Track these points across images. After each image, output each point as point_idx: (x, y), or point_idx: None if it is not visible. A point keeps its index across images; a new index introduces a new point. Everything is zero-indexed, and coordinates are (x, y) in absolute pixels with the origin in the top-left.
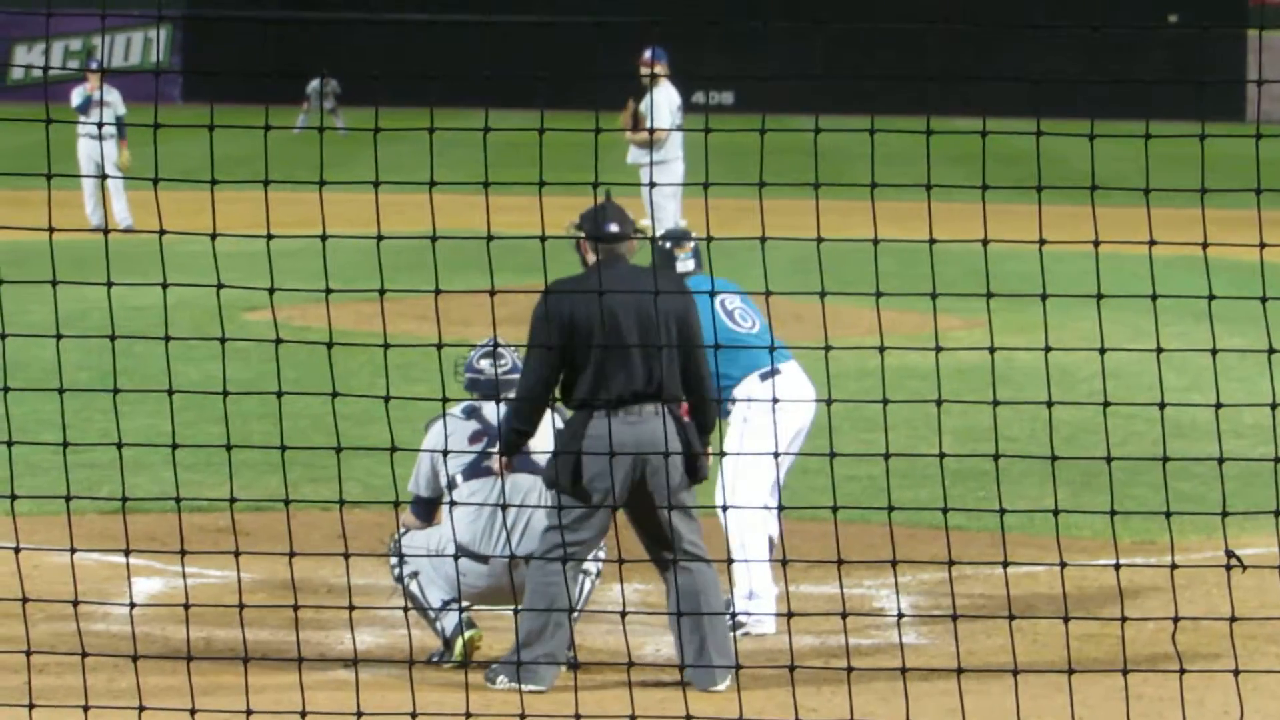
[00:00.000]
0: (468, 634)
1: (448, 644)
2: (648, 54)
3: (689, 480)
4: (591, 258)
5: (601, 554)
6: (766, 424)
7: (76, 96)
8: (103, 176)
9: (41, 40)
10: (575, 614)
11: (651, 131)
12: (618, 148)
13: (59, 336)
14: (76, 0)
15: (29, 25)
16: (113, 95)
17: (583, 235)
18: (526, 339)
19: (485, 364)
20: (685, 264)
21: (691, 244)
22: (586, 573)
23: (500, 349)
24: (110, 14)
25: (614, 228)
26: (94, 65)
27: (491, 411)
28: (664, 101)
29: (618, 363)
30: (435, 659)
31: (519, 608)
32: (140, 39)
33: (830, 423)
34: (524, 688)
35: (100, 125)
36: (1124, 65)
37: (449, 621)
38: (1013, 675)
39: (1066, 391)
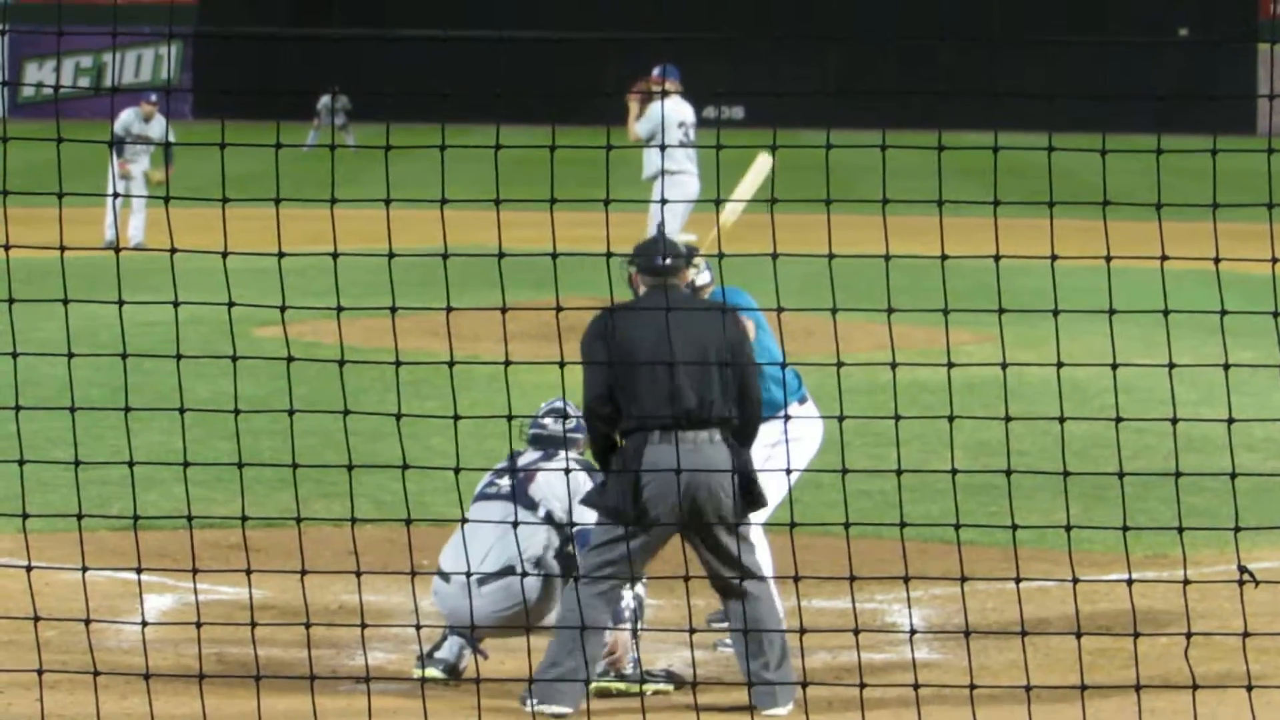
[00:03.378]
0: (425, 669)
1: (422, 659)
2: (656, 71)
3: (747, 507)
4: (643, 289)
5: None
6: (790, 454)
7: (119, 126)
8: (115, 196)
9: (52, 58)
10: (639, 631)
11: (664, 148)
12: (629, 164)
13: (70, 355)
14: (87, 18)
15: (39, 43)
16: (161, 124)
17: (627, 266)
18: (581, 358)
19: (549, 420)
20: (703, 275)
21: (700, 258)
22: (633, 592)
23: (568, 410)
24: (121, 32)
25: (665, 260)
26: (153, 98)
27: (529, 455)
28: (670, 112)
29: (669, 385)
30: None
31: (532, 626)
32: (151, 56)
33: (842, 438)
34: (550, 709)
35: (113, 143)
36: (1135, 79)
37: (443, 646)
38: (1025, 691)
39: (1078, 406)
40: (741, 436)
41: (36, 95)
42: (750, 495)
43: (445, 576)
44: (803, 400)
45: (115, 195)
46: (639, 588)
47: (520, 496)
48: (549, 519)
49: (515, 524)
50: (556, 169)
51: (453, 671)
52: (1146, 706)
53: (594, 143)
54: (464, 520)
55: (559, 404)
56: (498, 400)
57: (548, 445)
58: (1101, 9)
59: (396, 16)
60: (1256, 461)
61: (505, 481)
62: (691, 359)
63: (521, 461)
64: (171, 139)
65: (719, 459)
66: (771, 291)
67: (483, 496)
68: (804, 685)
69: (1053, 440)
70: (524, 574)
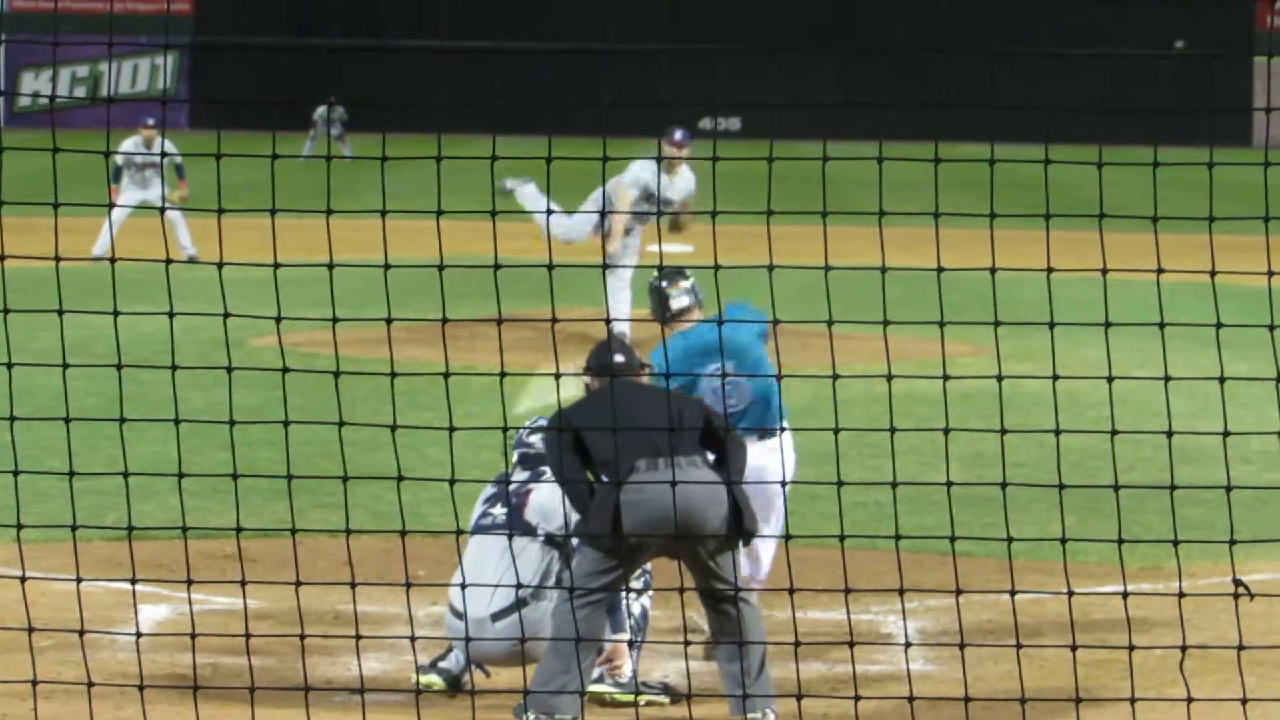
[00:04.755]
0: (426, 677)
1: (424, 666)
2: (679, 134)
3: (739, 535)
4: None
5: (649, 575)
6: (783, 467)
7: (121, 155)
8: (110, 206)
9: (48, 67)
10: (639, 639)
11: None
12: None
13: (65, 365)
14: (83, 27)
15: (36, 52)
16: (166, 145)
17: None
18: (546, 452)
19: (535, 439)
20: (680, 300)
21: (687, 281)
22: (636, 593)
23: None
24: (117, 42)
25: (619, 358)
26: (151, 121)
27: (518, 477)
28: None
29: (639, 437)
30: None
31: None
32: (147, 65)
33: (837, 450)
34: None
35: (110, 163)
36: (1131, 91)
37: (448, 657)
38: (1020, 703)
39: (1074, 417)
40: (731, 459)
41: (33, 105)
42: (740, 525)
43: (458, 614)
44: (783, 430)
45: (111, 205)
46: (644, 599)
47: (517, 524)
48: (549, 541)
49: (514, 533)
50: (553, 179)
51: (454, 683)
52: (1141, 719)
53: (591, 153)
54: (460, 531)
55: (544, 422)
56: (493, 411)
57: (536, 464)
58: (1099, 21)
59: (395, 26)
60: (1252, 474)
61: (500, 510)
62: (657, 412)
63: (512, 483)
64: (179, 159)
65: (707, 478)
66: (768, 303)
67: (479, 529)
68: (799, 697)
69: (1048, 452)
70: (522, 588)
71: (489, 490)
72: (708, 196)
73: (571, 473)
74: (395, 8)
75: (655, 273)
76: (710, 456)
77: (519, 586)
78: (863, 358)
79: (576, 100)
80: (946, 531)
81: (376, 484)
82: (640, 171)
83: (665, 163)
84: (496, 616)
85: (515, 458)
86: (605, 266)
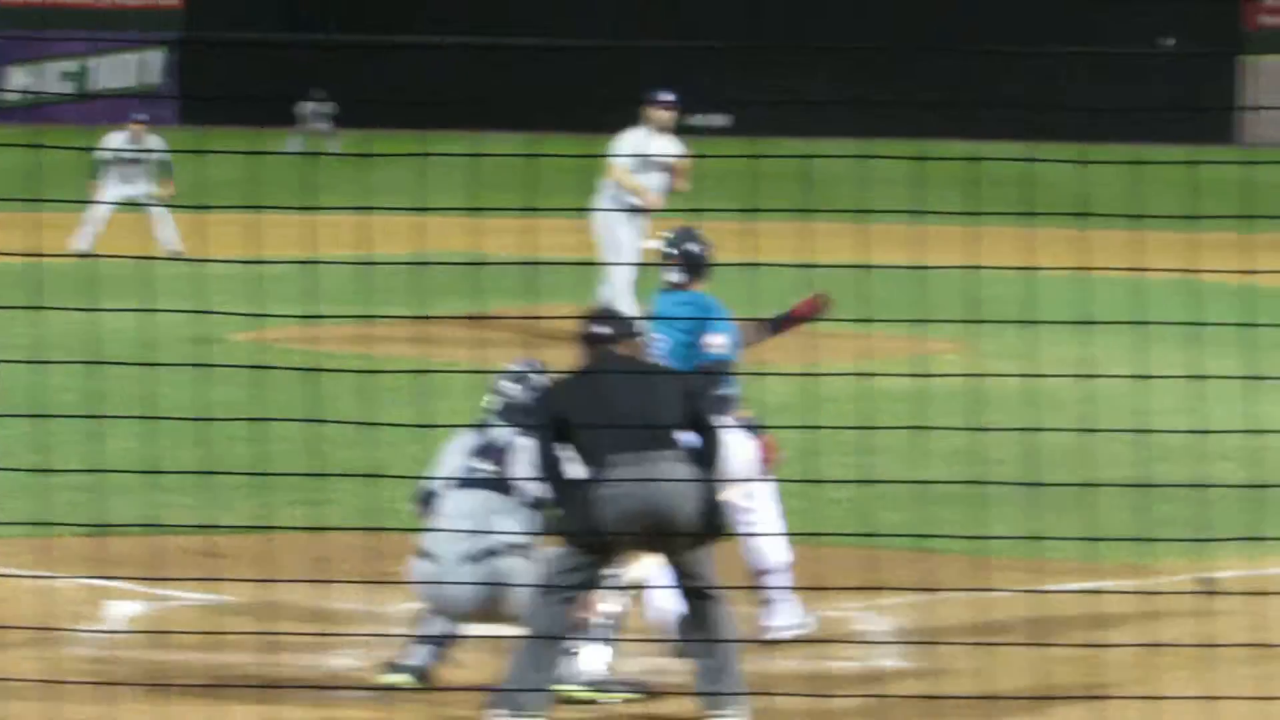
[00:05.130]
0: (392, 677)
1: (388, 666)
2: (670, 96)
3: (712, 531)
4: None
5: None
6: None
7: (109, 151)
8: (95, 202)
9: (35, 62)
10: (613, 636)
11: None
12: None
13: (44, 361)
14: (71, 22)
15: (23, 47)
16: (156, 142)
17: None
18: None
19: (513, 387)
20: (670, 274)
21: (697, 247)
22: (609, 590)
23: (530, 374)
24: (106, 38)
25: (604, 329)
26: (140, 117)
27: (501, 431)
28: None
29: (622, 421)
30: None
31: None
32: (135, 61)
33: (814, 446)
34: (515, 716)
35: (96, 158)
36: (1118, 88)
37: (413, 654)
38: (992, 700)
39: (1054, 414)
40: (703, 460)
41: (22, 100)
42: (713, 521)
43: (428, 556)
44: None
45: (96, 201)
46: (618, 596)
47: (502, 484)
48: (535, 503)
49: (502, 487)
50: (548, 177)
51: (421, 676)
52: (1112, 715)
53: (579, 151)
54: (426, 480)
55: (524, 367)
56: (474, 408)
57: (518, 415)
58: (1087, 20)
59: (391, 23)
60: (1228, 471)
61: (486, 465)
62: (639, 398)
63: (495, 436)
64: (166, 156)
65: (680, 474)
66: (751, 300)
67: (464, 484)
68: (771, 695)
69: (1027, 449)
70: (495, 538)
71: (472, 440)
72: (698, 193)
73: (551, 466)
74: (391, 4)
75: (664, 238)
76: (690, 441)
77: (497, 556)
78: (845, 354)
79: (574, 99)
80: (922, 529)
81: (353, 481)
82: (628, 138)
83: (655, 125)
84: (466, 559)
85: (496, 405)
86: (601, 264)
